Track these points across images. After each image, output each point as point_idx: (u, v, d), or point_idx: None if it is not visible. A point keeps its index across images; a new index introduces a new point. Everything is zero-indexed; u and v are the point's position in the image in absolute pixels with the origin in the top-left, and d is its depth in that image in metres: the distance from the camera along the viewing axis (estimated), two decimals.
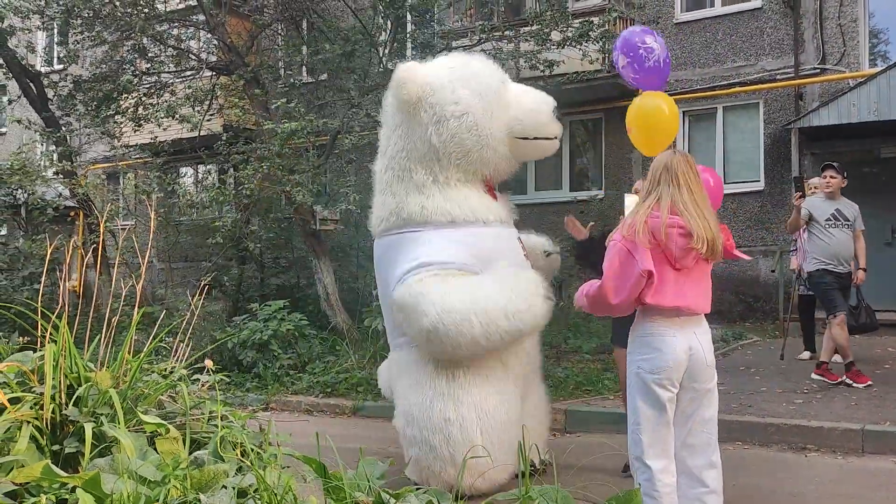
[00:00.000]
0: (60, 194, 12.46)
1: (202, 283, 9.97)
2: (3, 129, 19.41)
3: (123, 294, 10.41)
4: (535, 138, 4.89)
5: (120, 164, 14.69)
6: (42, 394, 2.98)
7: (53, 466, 2.53)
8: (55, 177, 12.36)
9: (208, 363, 3.41)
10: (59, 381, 3.05)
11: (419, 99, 4.80)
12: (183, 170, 15.60)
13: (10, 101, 16.91)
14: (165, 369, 3.61)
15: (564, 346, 8.68)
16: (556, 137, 4.97)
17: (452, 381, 4.71)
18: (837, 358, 7.99)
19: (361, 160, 10.08)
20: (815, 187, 8.19)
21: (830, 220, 7.08)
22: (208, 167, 13.30)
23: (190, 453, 2.84)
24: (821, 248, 7.09)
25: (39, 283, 10.75)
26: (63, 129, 11.79)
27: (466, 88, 4.79)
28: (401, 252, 4.79)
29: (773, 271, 11.14)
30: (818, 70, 11.97)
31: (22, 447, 2.72)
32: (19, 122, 11.17)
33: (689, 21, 12.93)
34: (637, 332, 3.50)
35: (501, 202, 5.14)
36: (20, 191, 10.94)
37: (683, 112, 12.87)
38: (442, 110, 4.77)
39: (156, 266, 11.54)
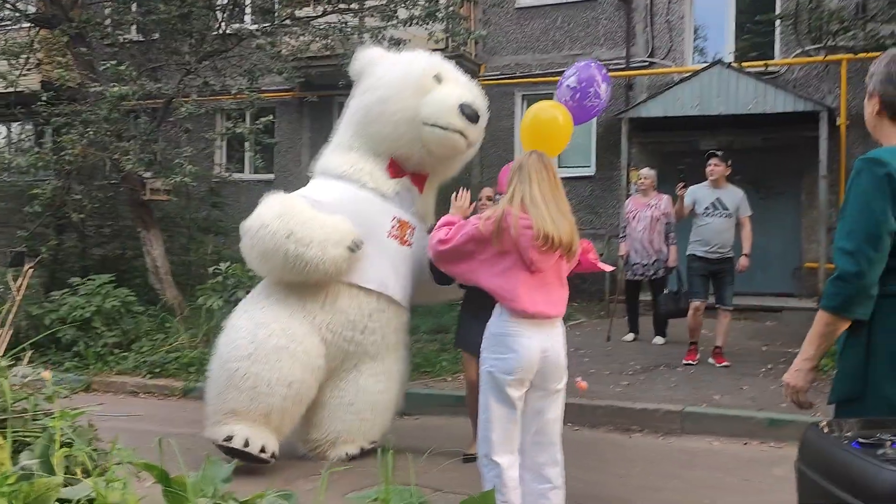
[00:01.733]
0: None
1: (14, 252, 9.23)
2: None
3: None
4: (434, 125, 4.95)
5: None
6: None
7: None
8: None
9: (45, 375, 3.12)
10: None
11: (360, 73, 5.35)
12: None
13: None
14: None
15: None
16: (456, 131, 4.98)
17: (259, 293, 5.19)
18: (658, 339, 8.58)
19: (198, 129, 9.62)
20: (643, 178, 8.69)
21: (709, 208, 7.50)
22: (25, 127, 12.22)
23: (14, 461, 2.60)
24: (695, 234, 7.57)
25: None
26: None
27: (395, 71, 5.18)
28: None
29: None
30: (647, 63, 12.63)
31: None
32: None
33: (530, 6, 13.22)
34: (492, 330, 3.55)
35: (424, 197, 5.34)
36: None
37: (522, 96, 13.22)
38: (370, 82, 5.22)
39: None
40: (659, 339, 8.55)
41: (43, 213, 8.89)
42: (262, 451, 4.77)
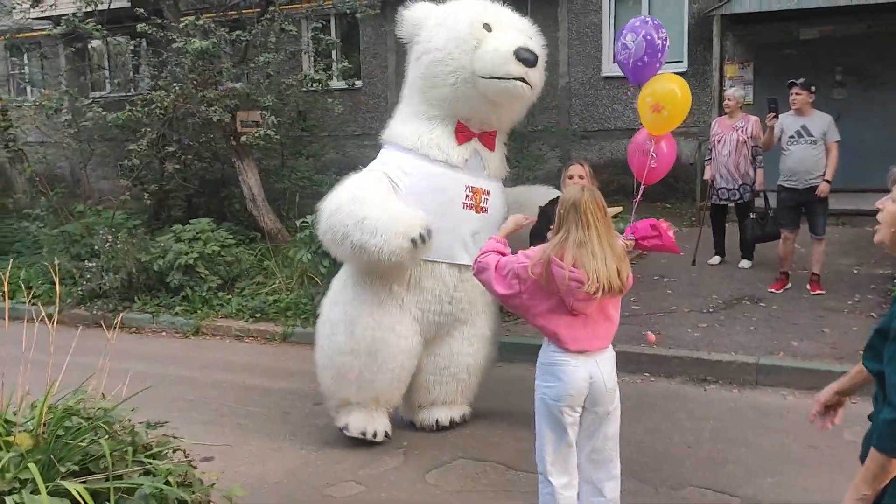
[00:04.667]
0: None
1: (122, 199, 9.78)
2: None
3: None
4: (492, 77, 4.89)
5: (19, 35, 13.88)
6: None
7: None
8: None
9: None
10: None
11: (410, 36, 5.27)
12: (95, 43, 14.76)
13: None
14: (90, 406, 3.67)
15: None
16: (515, 78, 4.89)
17: (346, 284, 5.25)
18: (745, 263, 8.49)
19: (281, 76, 9.74)
20: (728, 98, 8.35)
21: (794, 136, 7.32)
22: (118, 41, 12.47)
23: None
24: (781, 164, 7.43)
25: None
26: None
27: (443, 27, 5.06)
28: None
29: (691, 164, 11.39)
30: None
31: None
32: None
33: None
34: (541, 359, 3.71)
35: (495, 155, 5.29)
36: None
37: None
38: (421, 47, 5.15)
39: (72, 146, 11.09)
40: (745, 263, 8.45)
41: (140, 166, 9.37)
42: (375, 435, 5.15)
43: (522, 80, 4.89)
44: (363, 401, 5.16)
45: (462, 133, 5.18)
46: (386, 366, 5.06)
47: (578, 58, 13.01)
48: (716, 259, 8.73)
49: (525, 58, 4.84)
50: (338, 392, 5.20)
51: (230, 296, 8.49)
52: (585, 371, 3.60)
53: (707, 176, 8.46)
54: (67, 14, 9.72)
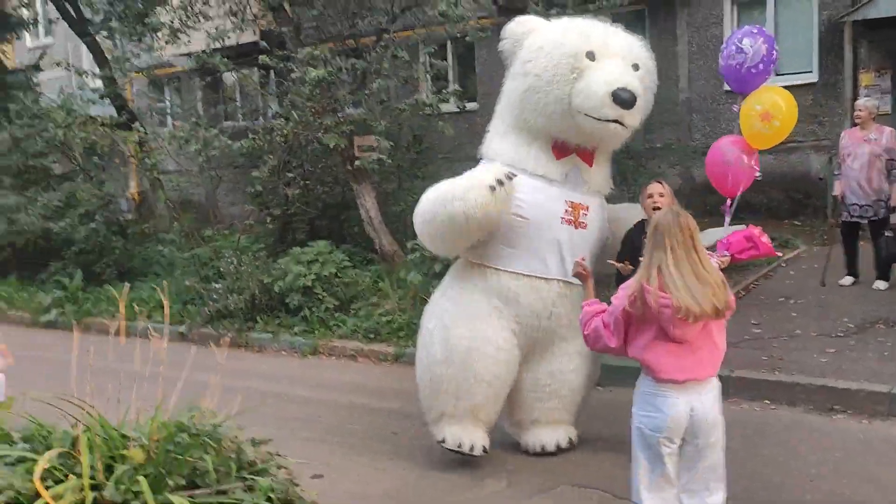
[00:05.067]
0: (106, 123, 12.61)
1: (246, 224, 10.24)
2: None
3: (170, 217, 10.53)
4: (587, 115, 4.83)
5: (158, 71, 14.79)
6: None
7: None
8: (96, 91, 12.46)
9: None
10: (97, 462, 3.33)
11: (511, 52, 5.20)
12: (227, 76, 15.55)
13: (50, 22, 16.95)
14: (201, 420, 3.82)
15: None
16: (610, 121, 4.81)
17: (444, 295, 5.32)
18: (880, 284, 7.95)
19: (396, 101, 9.98)
20: (859, 109, 7.89)
21: None
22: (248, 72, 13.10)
23: None
24: None
25: (93, 220, 11.22)
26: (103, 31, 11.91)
27: (544, 50, 4.98)
28: None
29: (821, 178, 10.82)
30: None
31: None
32: (58, 64, 11.28)
33: None
34: (640, 388, 3.61)
35: (595, 170, 5.21)
36: (65, 130, 11.14)
37: (732, 2, 12.25)
38: (520, 68, 5.08)
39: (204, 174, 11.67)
40: (881, 284, 7.92)
41: (263, 193, 9.81)
42: (472, 449, 5.12)
43: (617, 121, 4.81)
44: (460, 413, 5.14)
45: (560, 150, 5.13)
46: (481, 377, 5.04)
47: (699, 72, 12.64)
48: (847, 280, 8.22)
49: (623, 100, 4.73)
50: (435, 404, 5.21)
51: (346, 316, 8.69)
52: (686, 403, 3.47)
53: (836, 192, 8.01)
54: (198, 51, 10.32)
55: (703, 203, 9.88)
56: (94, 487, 3.24)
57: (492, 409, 5.21)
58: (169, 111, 17.28)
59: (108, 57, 12.67)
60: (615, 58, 4.93)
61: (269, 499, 3.54)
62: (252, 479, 3.64)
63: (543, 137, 5.10)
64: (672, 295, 3.33)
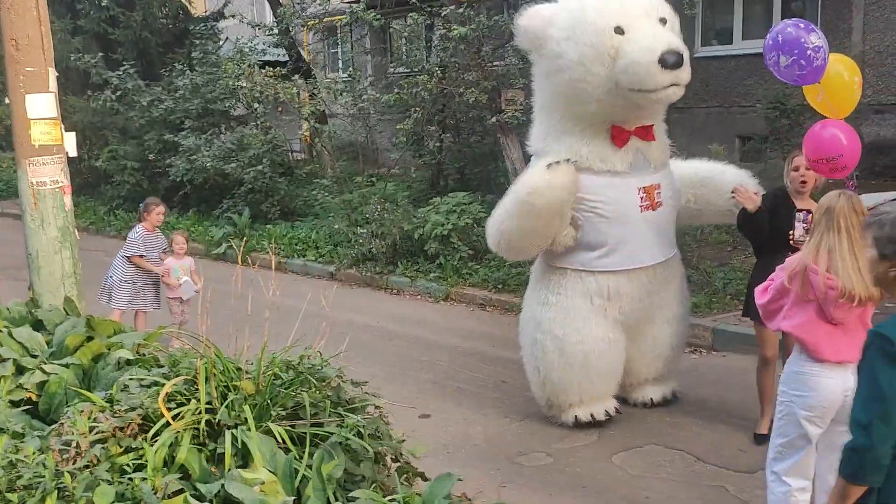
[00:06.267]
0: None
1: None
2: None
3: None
4: (640, 90, 4.77)
5: (330, 18, 15.49)
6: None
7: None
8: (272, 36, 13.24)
9: None
10: (213, 389, 3.88)
11: (533, 50, 5.15)
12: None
13: None
14: (303, 359, 4.29)
15: (729, 248, 8.55)
16: (666, 87, 4.74)
17: (545, 305, 5.33)
18: None
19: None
20: None
21: None
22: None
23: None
24: None
25: (261, 163, 12.14)
26: None
27: (571, 40, 4.85)
28: None
29: None
30: None
31: (182, 455, 3.62)
32: (233, 16, 12.17)
33: None
34: (792, 367, 3.63)
35: (657, 144, 5.21)
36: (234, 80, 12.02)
37: None
38: (550, 64, 5.02)
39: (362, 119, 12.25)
40: None
41: (408, 142, 10.26)
42: (606, 413, 5.35)
43: (673, 84, 4.73)
44: (587, 401, 5.34)
45: (619, 137, 5.06)
46: (601, 372, 5.24)
47: (876, 24, 11.75)
48: None
49: (672, 63, 4.63)
50: (557, 402, 5.37)
51: (478, 265, 9.04)
52: (842, 384, 3.48)
53: None
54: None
55: (872, 164, 9.43)
56: (209, 411, 3.80)
57: (613, 384, 5.42)
58: (340, 58, 18.08)
59: (281, 3, 13.45)
60: (641, 20, 4.80)
61: (358, 433, 3.98)
62: (347, 415, 4.10)
63: (600, 125, 5.02)
64: (840, 278, 3.37)
